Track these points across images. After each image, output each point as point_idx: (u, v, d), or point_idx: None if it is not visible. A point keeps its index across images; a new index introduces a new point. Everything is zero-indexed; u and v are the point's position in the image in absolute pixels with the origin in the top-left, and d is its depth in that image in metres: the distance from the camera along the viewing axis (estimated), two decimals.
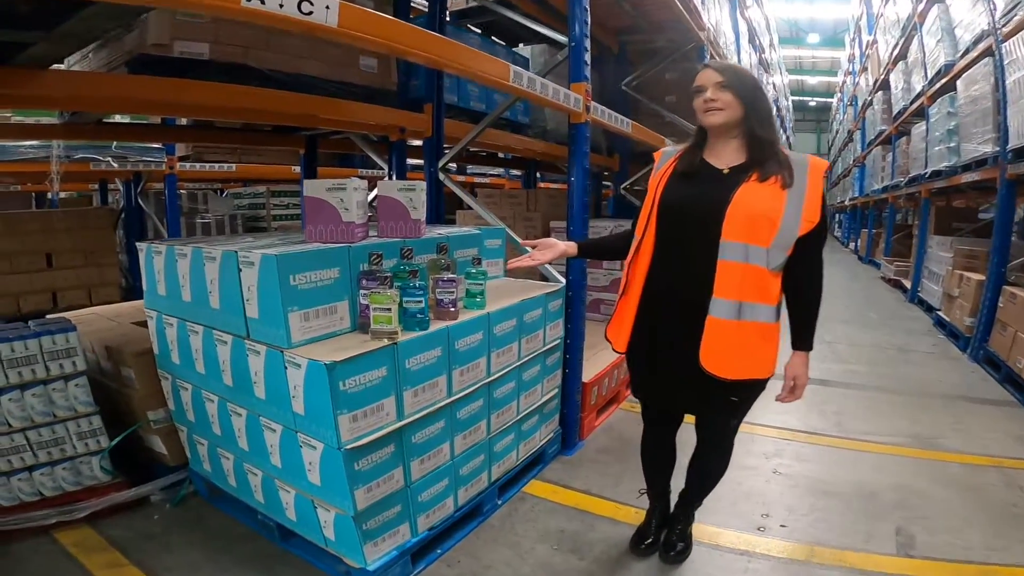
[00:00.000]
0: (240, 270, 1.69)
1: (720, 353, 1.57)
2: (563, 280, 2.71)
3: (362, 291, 1.75)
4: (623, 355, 1.84)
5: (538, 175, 7.43)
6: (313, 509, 1.80)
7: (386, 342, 1.69)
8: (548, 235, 4.57)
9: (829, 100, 22.90)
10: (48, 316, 2.41)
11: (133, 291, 5.46)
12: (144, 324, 2.32)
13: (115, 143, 5.15)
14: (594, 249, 2.14)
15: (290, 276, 1.62)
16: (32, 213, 5.75)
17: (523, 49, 4.95)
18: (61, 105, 2.43)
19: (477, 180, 9.69)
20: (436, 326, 1.90)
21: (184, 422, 2.26)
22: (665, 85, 5.44)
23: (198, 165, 5.70)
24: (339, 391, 1.57)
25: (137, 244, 2.16)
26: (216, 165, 5.80)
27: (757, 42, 9.24)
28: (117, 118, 3.95)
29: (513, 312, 2.25)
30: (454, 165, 8.40)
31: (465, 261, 2.25)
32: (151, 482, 2.31)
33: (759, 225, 1.51)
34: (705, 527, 2.18)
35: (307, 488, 1.80)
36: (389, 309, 1.66)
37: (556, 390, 2.75)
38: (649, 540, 2.04)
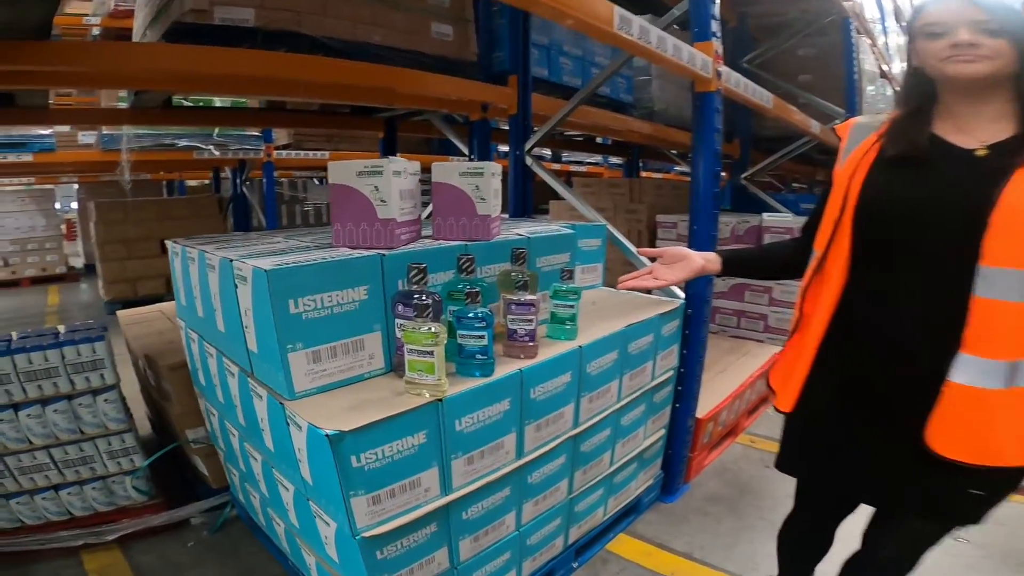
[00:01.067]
0: (236, 286, 1.19)
1: (963, 431, 0.97)
2: (681, 295, 2.01)
3: (397, 320, 1.20)
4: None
5: (641, 163, 6.59)
6: None
7: (427, 397, 1.13)
8: (654, 231, 3.85)
9: None
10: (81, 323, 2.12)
11: None
12: None
13: (217, 131, 5.06)
14: (746, 265, 1.45)
15: (289, 301, 1.09)
16: (149, 201, 5.90)
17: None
18: (70, 82, 2.11)
19: (573, 169, 8.95)
20: (504, 368, 1.31)
21: (219, 446, 1.87)
22: (798, 62, 4.52)
23: (295, 153, 5.51)
24: (351, 468, 1.04)
25: (165, 242, 1.76)
26: (312, 153, 5.60)
27: (904, 23, 7.73)
28: (217, 103, 3.73)
29: (614, 342, 1.61)
30: (548, 152, 7.73)
31: (552, 272, 1.64)
32: (188, 505, 1.99)
33: None
34: None
35: (327, 560, 1.30)
36: (430, 353, 1.09)
37: (663, 431, 2.09)
38: None
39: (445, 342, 1.11)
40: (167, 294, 4.95)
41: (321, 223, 6.19)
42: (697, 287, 1.99)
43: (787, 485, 1.34)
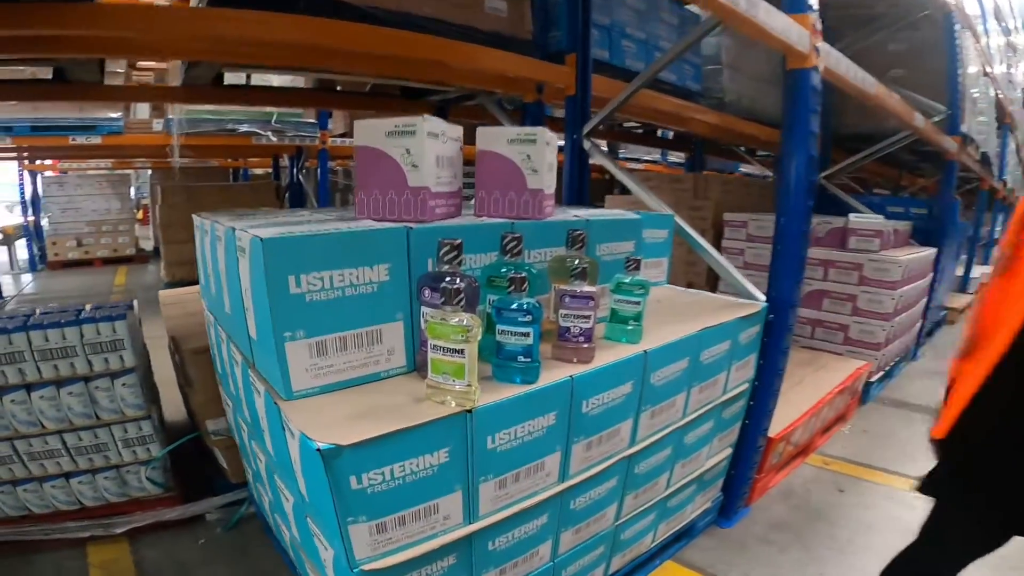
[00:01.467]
0: (237, 259, 0.99)
1: None
2: (762, 297, 1.69)
3: (423, 308, 0.97)
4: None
5: (703, 161, 6.15)
6: None
7: (453, 407, 0.89)
8: (721, 230, 3.49)
9: None
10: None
11: None
12: None
13: (275, 116, 5.03)
14: None
15: (290, 277, 0.87)
16: (211, 186, 5.98)
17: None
18: (115, 50, 2.00)
19: (630, 166, 8.54)
20: (552, 374, 1.05)
21: (236, 439, 1.70)
22: (888, 57, 4.11)
23: (349, 141, 5.43)
24: (349, 490, 0.81)
25: (193, 216, 1.61)
26: None
27: (1004, 24, 7.01)
28: (264, 80, 3.65)
29: (685, 348, 1.33)
30: (604, 145, 7.37)
31: (615, 261, 1.37)
32: (204, 500, 1.83)
33: None
34: None
35: None
36: (460, 351, 0.85)
37: (729, 450, 1.80)
38: None
39: (479, 338, 0.86)
40: None
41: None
42: (782, 289, 1.66)
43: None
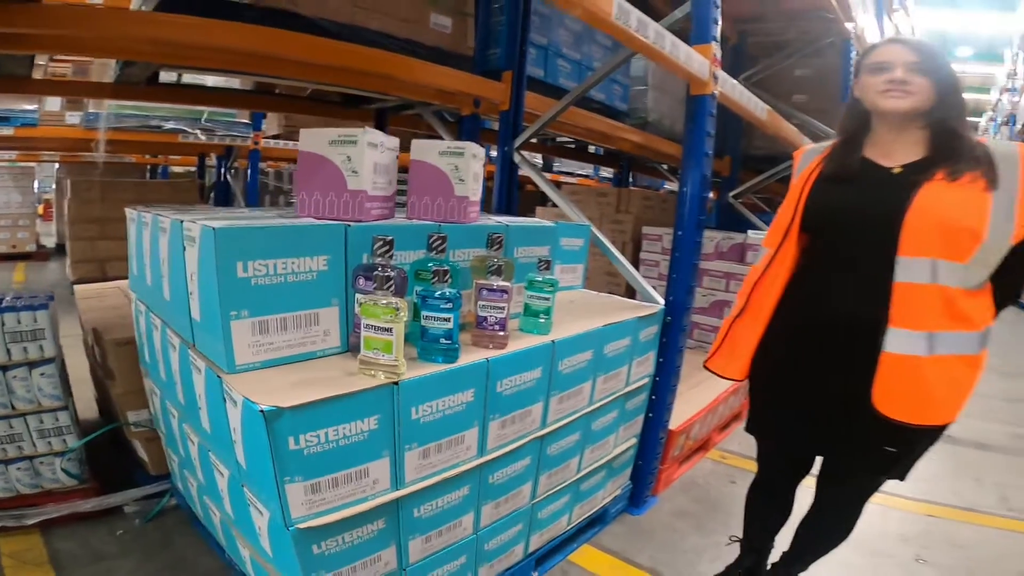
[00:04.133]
0: (184, 248, 1.09)
1: (903, 393, 1.19)
2: (661, 300, 1.94)
3: (357, 295, 1.11)
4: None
5: (631, 177, 6.58)
6: None
7: (381, 379, 1.04)
8: (639, 243, 3.82)
9: (976, 120, 20.18)
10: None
11: None
12: None
13: (205, 115, 4.94)
14: None
15: (237, 263, 0.99)
16: (126, 182, 5.74)
17: None
18: (60, 47, 2.01)
19: (563, 180, 8.94)
20: (471, 356, 1.22)
21: (160, 429, 1.75)
22: (794, 82, 4.53)
23: (283, 143, 5.41)
24: (286, 451, 0.94)
25: (125, 209, 1.65)
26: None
27: None
28: (206, 82, 3.61)
29: (589, 341, 1.54)
30: (539, 160, 7.70)
31: (529, 263, 1.56)
32: (121, 492, 1.84)
33: (955, 237, 1.14)
34: None
35: (260, 553, 1.19)
36: (388, 329, 1.00)
37: (634, 439, 2.02)
38: None
39: (406, 319, 1.03)
40: None
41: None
42: (678, 294, 1.93)
43: None
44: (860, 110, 1.30)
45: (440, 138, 3.17)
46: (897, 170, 1.23)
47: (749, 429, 1.52)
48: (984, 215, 1.12)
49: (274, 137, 5.47)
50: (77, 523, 1.75)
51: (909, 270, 1.16)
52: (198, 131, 5.03)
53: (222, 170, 5.91)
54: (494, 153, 3.87)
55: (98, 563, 1.61)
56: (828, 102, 4.07)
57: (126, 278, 4.66)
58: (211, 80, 3.24)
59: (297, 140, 4.95)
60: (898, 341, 1.17)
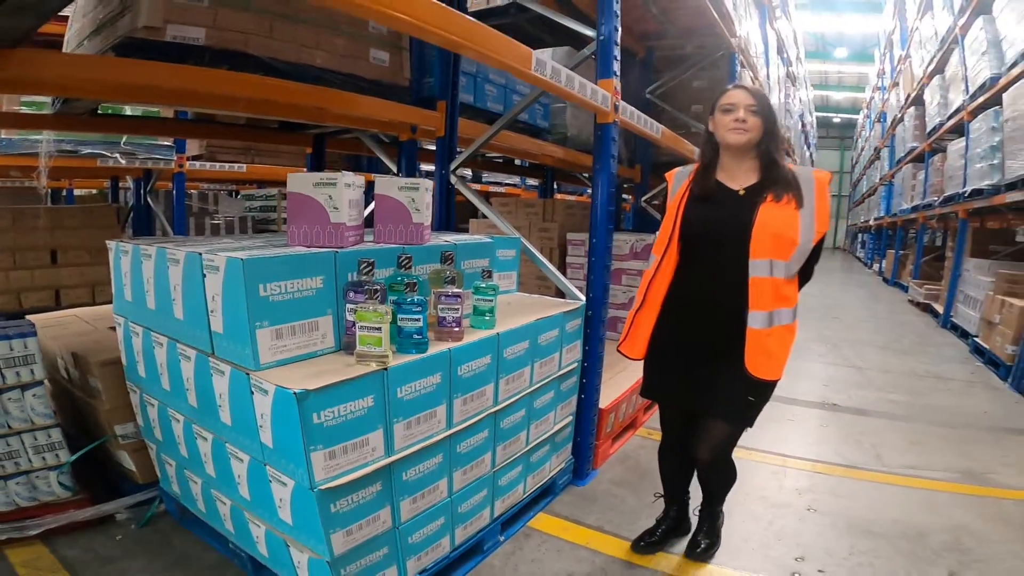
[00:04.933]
0: (204, 276, 1.41)
1: (760, 358, 1.66)
2: (583, 297, 2.40)
3: (348, 305, 1.47)
4: (635, 358, 1.90)
5: (555, 185, 7.13)
6: (286, 548, 1.51)
7: (374, 367, 1.40)
8: (565, 248, 4.31)
9: (854, 116, 22.11)
10: (16, 319, 2.17)
11: None
12: None
13: (124, 139, 4.97)
14: None
15: (259, 285, 1.34)
16: (41, 209, 5.58)
17: (543, 53, 4.68)
18: (30, 89, 2.20)
19: (492, 189, 9.42)
20: (436, 348, 1.61)
21: (152, 439, 1.99)
22: (692, 94, 5.20)
23: (208, 165, 5.49)
24: (312, 424, 1.29)
25: (107, 243, 1.90)
26: (227, 165, 5.59)
27: (785, 55, 8.91)
28: (128, 111, 3.74)
29: (526, 333, 1.96)
30: (468, 172, 8.13)
31: (474, 273, 1.96)
32: (115, 500, 2.06)
33: (782, 243, 1.61)
34: (732, 572, 1.95)
35: (278, 525, 1.51)
36: (379, 328, 1.37)
37: (570, 417, 2.45)
38: (653, 539, 2.06)
39: (391, 320, 1.40)
40: (56, 306, 4.73)
41: (232, 234, 6.14)
42: (596, 291, 2.39)
43: None
44: (714, 142, 1.73)
45: (376, 157, 3.51)
46: (742, 192, 1.69)
47: (643, 393, 1.96)
48: (797, 227, 1.60)
49: (195, 158, 5.54)
50: (76, 532, 1.95)
51: (757, 268, 1.62)
52: (117, 155, 5.04)
53: (141, 193, 5.88)
54: (426, 167, 4.23)
55: (110, 565, 1.83)
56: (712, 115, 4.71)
57: (45, 310, 4.62)
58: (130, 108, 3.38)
59: (218, 161, 5.15)
60: (756, 320, 1.64)
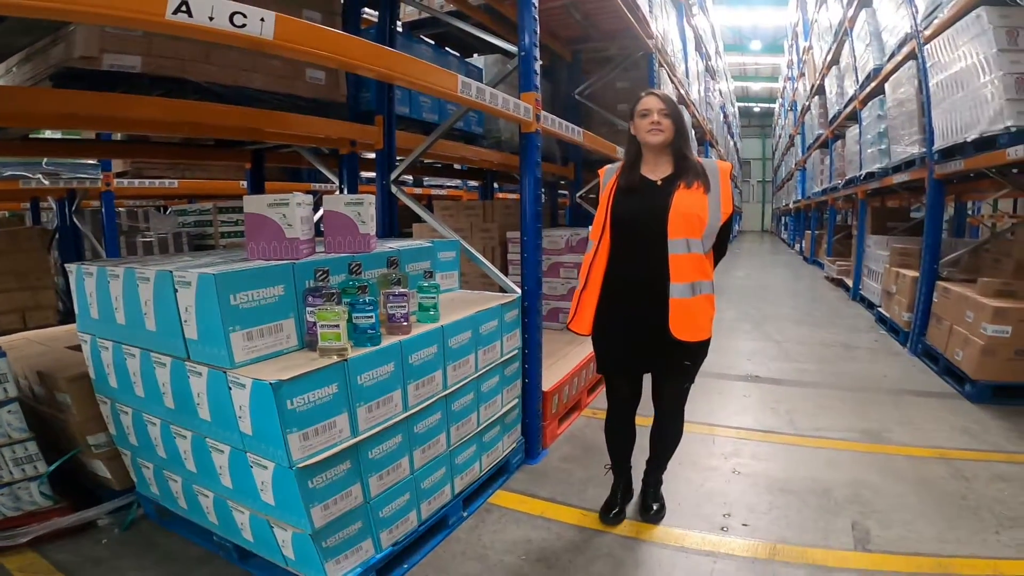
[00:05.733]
0: (176, 290, 1.62)
1: (685, 323, 1.95)
2: (518, 290, 2.71)
3: (308, 308, 1.71)
4: (588, 346, 2.04)
5: (495, 185, 7.45)
6: (270, 529, 1.74)
7: (335, 359, 1.65)
8: (506, 246, 4.61)
9: (772, 106, 23.62)
10: None
11: (70, 314, 5.17)
12: (78, 348, 2.22)
13: (45, 160, 4.89)
14: None
15: (230, 295, 1.56)
16: None
17: (477, 60, 4.96)
18: None
19: (434, 192, 9.64)
20: (388, 341, 1.87)
21: (127, 446, 2.15)
22: (617, 93, 5.56)
23: (136, 182, 5.46)
24: (287, 410, 1.53)
25: (66, 266, 2.05)
26: (156, 181, 5.57)
27: (703, 50, 9.52)
28: (47, 134, 3.76)
29: (468, 324, 2.24)
30: (409, 177, 8.33)
31: (417, 275, 2.22)
32: (96, 507, 2.20)
33: (693, 223, 1.92)
34: (671, 530, 2.24)
35: (261, 508, 1.73)
36: (337, 326, 1.62)
37: (516, 400, 2.74)
38: (616, 510, 2.28)
39: (347, 319, 1.65)
40: None
41: (167, 252, 6.11)
42: (529, 284, 2.71)
43: None
44: (636, 143, 2.05)
45: (317, 168, 3.69)
46: (659, 183, 2.00)
47: (599, 369, 2.23)
48: (706, 208, 1.92)
49: (120, 175, 5.48)
50: (62, 539, 2.08)
51: (675, 246, 1.92)
52: (40, 175, 4.96)
53: (66, 214, 5.76)
54: (366, 175, 4.42)
55: (101, 566, 1.98)
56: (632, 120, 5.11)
57: None
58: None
59: (146, 177, 5.17)
60: (677, 291, 1.93)
